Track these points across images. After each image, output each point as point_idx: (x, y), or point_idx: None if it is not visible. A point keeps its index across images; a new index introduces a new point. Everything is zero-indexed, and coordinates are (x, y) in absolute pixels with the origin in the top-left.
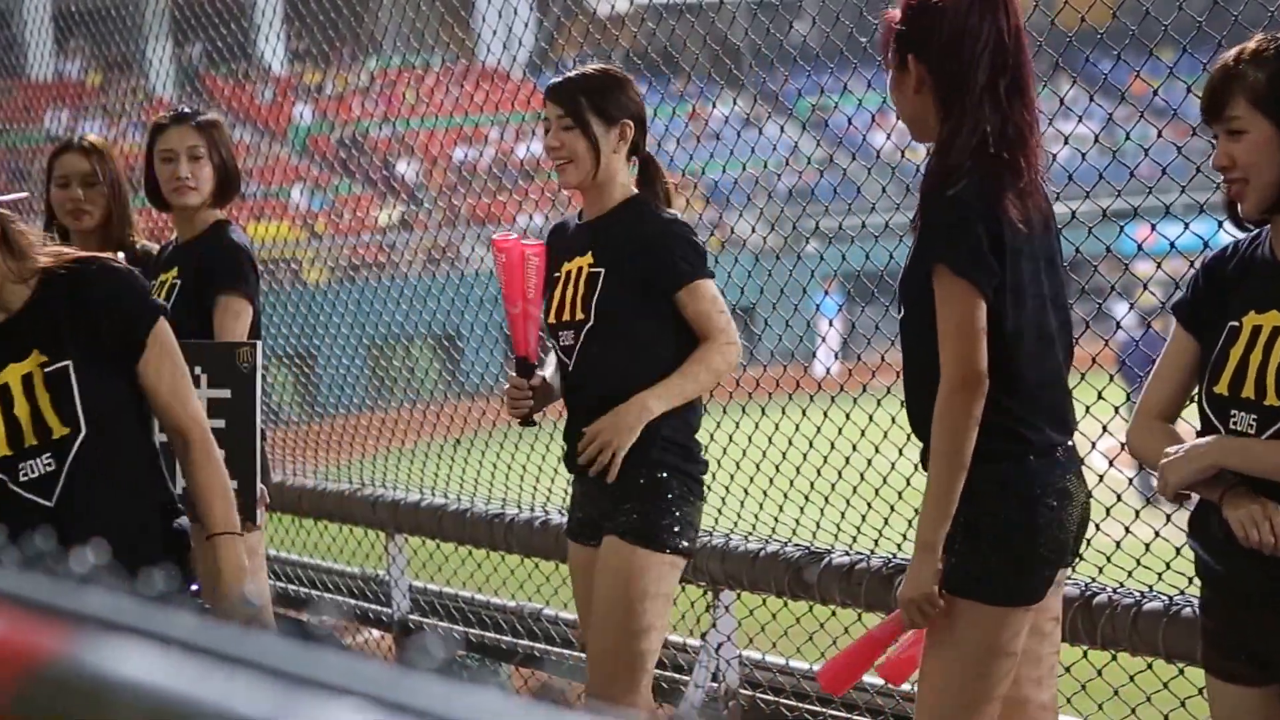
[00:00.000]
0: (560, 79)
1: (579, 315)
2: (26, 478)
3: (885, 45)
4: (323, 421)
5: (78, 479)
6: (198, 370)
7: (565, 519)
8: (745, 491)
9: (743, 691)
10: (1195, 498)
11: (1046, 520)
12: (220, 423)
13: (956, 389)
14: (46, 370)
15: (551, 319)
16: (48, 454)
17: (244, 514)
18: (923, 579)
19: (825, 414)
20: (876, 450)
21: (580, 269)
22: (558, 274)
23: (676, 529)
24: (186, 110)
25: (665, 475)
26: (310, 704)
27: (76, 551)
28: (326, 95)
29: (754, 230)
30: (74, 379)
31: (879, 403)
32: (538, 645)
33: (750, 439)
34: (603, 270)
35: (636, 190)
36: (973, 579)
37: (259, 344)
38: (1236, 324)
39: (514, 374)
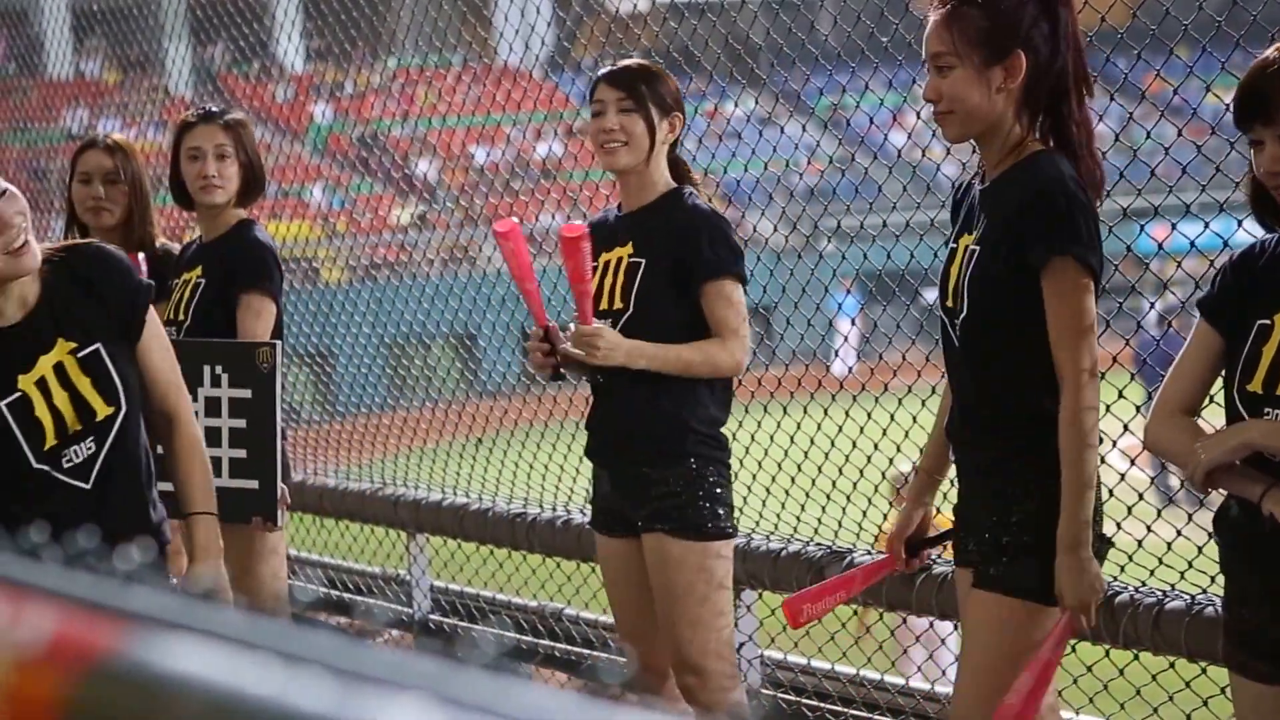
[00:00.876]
0: (616, 66)
1: (618, 304)
2: (70, 464)
3: (974, 40)
4: (343, 421)
5: (112, 459)
6: (219, 369)
7: (586, 517)
8: (767, 491)
9: (764, 692)
10: (1216, 495)
11: (1096, 519)
12: (241, 422)
13: (1088, 384)
14: (79, 356)
15: None
16: (90, 437)
17: (265, 514)
18: (1094, 581)
19: (847, 413)
20: (898, 450)
21: (620, 259)
22: (595, 264)
23: (720, 513)
24: (214, 109)
25: (699, 465)
26: (369, 699)
27: (121, 549)
28: (346, 94)
29: (775, 229)
30: (107, 359)
31: (900, 402)
32: (559, 645)
33: (772, 438)
34: (643, 261)
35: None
36: (1035, 581)
37: (279, 344)
38: (1268, 322)
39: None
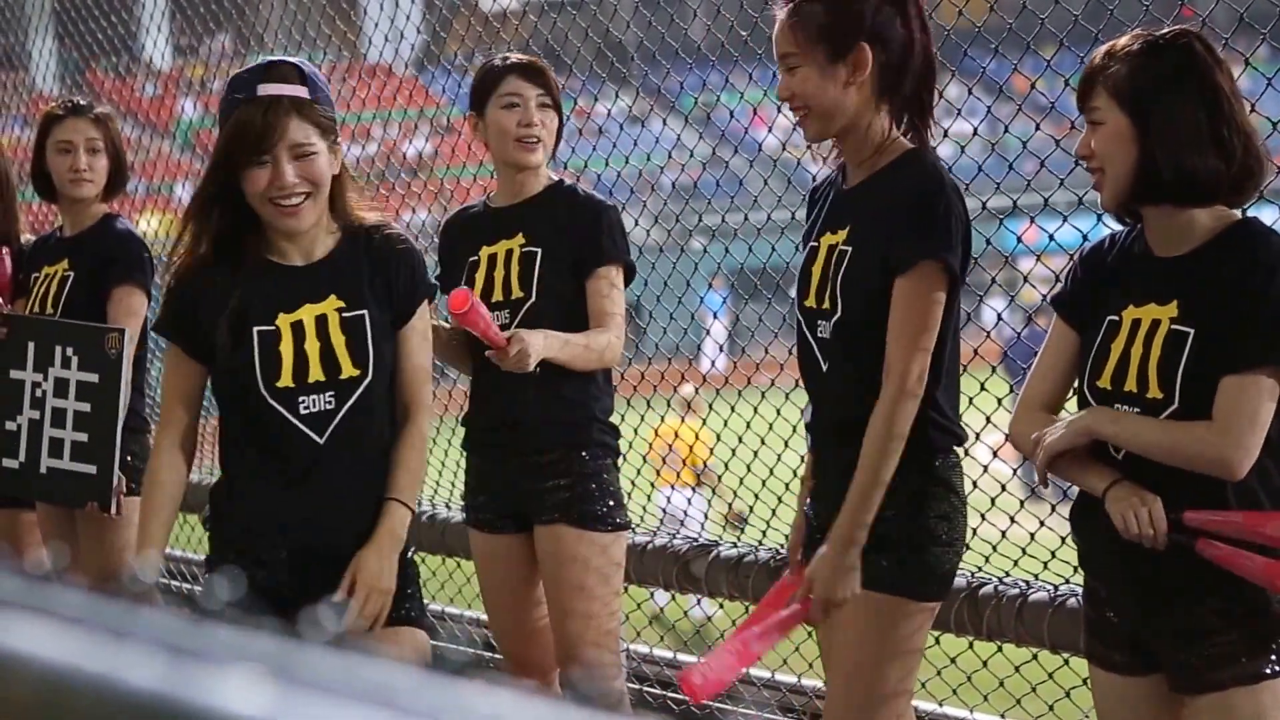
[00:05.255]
0: (523, 60)
1: (517, 293)
2: (307, 411)
3: (814, 37)
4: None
5: (352, 421)
6: (70, 351)
7: (450, 513)
8: (632, 484)
9: (630, 685)
10: (1077, 489)
11: (964, 514)
12: (86, 406)
13: (912, 393)
14: (344, 315)
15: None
16: (330, 392)
17: (100, 500)
18: (854, 579)
19: (711, 407)
20: (762, 442)
21: (511, 250)
22: (475, 258)
23: (616, 505)
24: (82, 102)
25: (600, 456)
26: (200, 675)
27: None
28: (211, 91)
29: (636, 224)
30: (369, 327)
31: (764, 395)
32: None
33: (636, 431)
34: (539, 250)
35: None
36: (916, 579)
37: (127, 331)
38: (1116, 318)
39: None
